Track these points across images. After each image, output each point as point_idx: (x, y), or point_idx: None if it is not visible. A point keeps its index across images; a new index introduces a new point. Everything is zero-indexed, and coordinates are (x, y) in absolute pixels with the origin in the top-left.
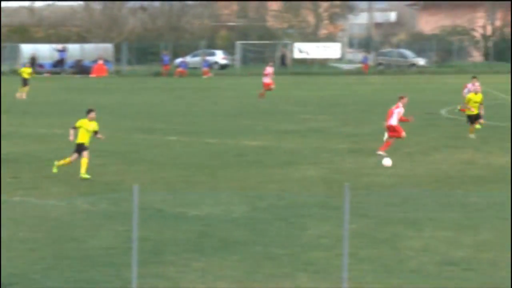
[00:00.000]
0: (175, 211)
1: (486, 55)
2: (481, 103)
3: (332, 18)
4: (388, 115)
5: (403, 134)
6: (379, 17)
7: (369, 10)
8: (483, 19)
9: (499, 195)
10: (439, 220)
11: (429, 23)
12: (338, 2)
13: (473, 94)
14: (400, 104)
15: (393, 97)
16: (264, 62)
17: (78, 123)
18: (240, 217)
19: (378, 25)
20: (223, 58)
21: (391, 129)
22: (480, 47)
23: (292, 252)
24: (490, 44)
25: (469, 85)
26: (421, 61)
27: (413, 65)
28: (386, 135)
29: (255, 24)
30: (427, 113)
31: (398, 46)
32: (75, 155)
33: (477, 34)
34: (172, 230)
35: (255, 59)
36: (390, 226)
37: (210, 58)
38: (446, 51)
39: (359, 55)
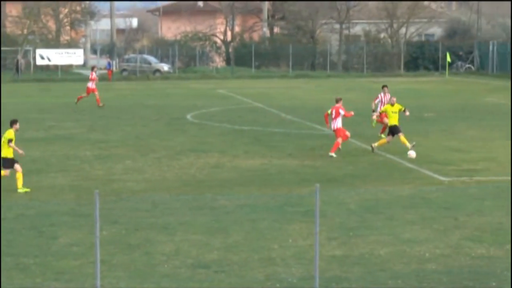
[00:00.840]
0: None
1: (227, 60)
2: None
3: (73, 24)
4: (326, 118)
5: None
6: (121, 23)
7: (111, 16)
8: (223, 25)
9: (247, 197)
10: (190, 224)
11: (171, 29)
12: (78, 8)
13: (389, 105)
14: (340, 106)
15: (138, 102)
16: (6, 68)
17: (10, 135)
18: None
19: (121, 31)
20: None
21: (340, 131)
22: (221, 53)
23: (43, 261)
24: (231, 49)
25: (381, 95)
26: (165, 67)
27: (158, 70)
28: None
29: None
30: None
31: (141, 52)
32: (7, 171)
33: (218, 40)
34: None
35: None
36: (141, 231)
37: None
38: (189, 57)
39: (103, 61)
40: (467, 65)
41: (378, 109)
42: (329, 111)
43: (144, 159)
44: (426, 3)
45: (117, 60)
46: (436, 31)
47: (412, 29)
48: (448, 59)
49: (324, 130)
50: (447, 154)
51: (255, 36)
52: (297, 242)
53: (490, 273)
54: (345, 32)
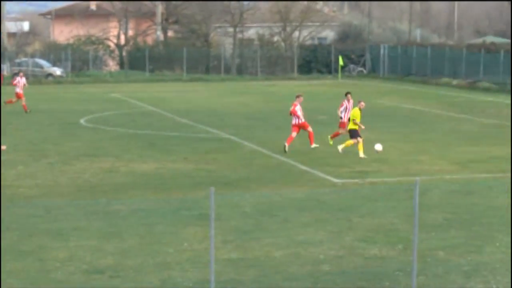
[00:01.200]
0: None
1: (121, 64)
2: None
3: None
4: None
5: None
6: (12, 26)
7: (0, 19)
8: (117, 28)
9: (142, 202)
10: (84, 229)
11: (64, 32)
12: None
13: (358, 109)
14: (298, 103)
15: (30, 107)
16: None
17: None
18: None
19: (12, 34)
20: None
21: (304, 125)
22: (115, 56)
23: None
24: (124, 53)
25: (345, 102)
26: (57, 71)
27: (50, 74)
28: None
29: None
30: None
31: (33, 56)
32: None
33: (112, 44)
34: None
35: None
36: (34, 237)
37: None
38: (82, 61)
39: None
40: (359, 68)
41: (343, 116)
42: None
43: (37, 164)
44: (318, 7)
45: (8, 64)
46: (329, 34)
47: (305, 32)
48: (341, 62)
49: (219, 133)
50: (340, 156)
51: (149, 40)
52: (193, 246)
53: (383, 273)
54: (239, 35)
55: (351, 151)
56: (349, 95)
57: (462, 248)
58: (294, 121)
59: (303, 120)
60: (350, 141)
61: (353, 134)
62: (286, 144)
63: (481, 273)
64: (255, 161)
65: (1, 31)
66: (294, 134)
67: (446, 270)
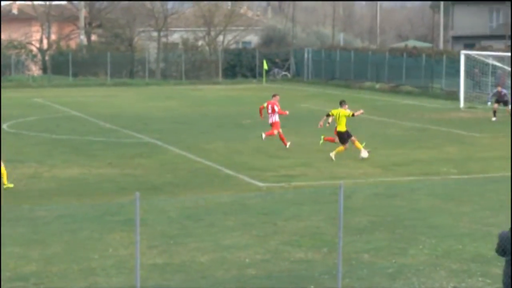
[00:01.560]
0: None
1: (44, 69)
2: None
3: None
4: (260, 110)
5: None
6: None
7: None
8: (39, 32)
9: (66, 208)
10: (7, 236)
11: None
12: None
13: (342, 110)
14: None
15: None
16: None
17: None
18: None
19: None
20: None
21: (276, 125)
22: (37, 61)
23: None
24: (47, 57)
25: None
26: None
27: None
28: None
29: None
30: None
31: None
32: None
33: (34, 48)
34: None
35: None
36: None
37: None
38: (4, 65)
39: None
40: (284, 72)
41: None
42: (264, 105)
43: None
44: (242, 11)
45: None
46: (253, 38)
47: (229, 36)
48: (265, 66)
49: (143, 138)
50: (265, 160)
51: (72, 44)
52: (118, 252)
53: (308, 277)
54: (163, 40)
55: (277, 155)
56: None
57: (386, 250)
58: (271, 119)
59: (276, 119)
60: (341, 148)
61: (342, 138)
62: (286, 143)
63: (405, 275)
64: (180, 165)
65: None
66: (275, 131)
67: (371, 272)
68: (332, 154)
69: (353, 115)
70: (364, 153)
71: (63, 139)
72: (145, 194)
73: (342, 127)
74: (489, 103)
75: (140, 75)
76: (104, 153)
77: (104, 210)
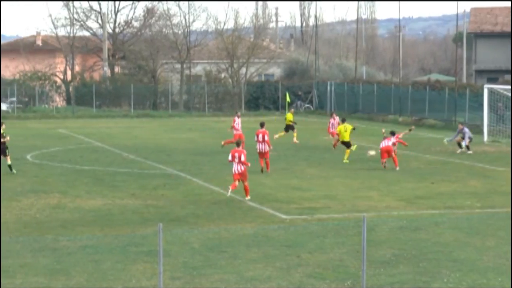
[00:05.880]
0: None
1: (68, 100)
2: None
3: None
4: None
5: None
6: None
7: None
8: (63, 64)
9: (89, 238)
10: (31, 266)
11: (9, 67)
12: None
13: (342, 126)
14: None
15: None
16: None
17: None
18: None
19: None
20: None
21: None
22: (61, 92)
23: None
24: (71, 89)
25: (332, 120)
26: (3, 106)
27: None
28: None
29: None
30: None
31: None
32: None
33: (58, 79)
34: None
35: None
36: None
37: None
38: (28, 96)
39: None
40: (306, 105)
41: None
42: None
43: None
44: (265, 43)
45: None
46: (276, 71)
47: (252, 69)
48: (288, 98)
49: (166, 169)
50: (288, 193)
51: (96, 76)
52: (141, 283)
53: None
54: (186, 71)
55: (300, 187)
56: (334, 114)
57: (410, 284)
58: (260, 148)
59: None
60: (348, 150)
61: (348, 144)
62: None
63: None
64: (203, 197)
65: None
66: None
67: None
68: (345, 158)
69: (354, 128)
70: (372, 152)
71: (87, 169)
72: (168, 225)
73: (346, 138)
74: (445, 140)
75: (163, 107)
76: (127, 184)
77: (127, 241)
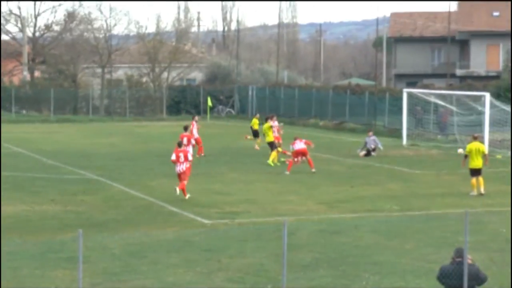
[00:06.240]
0: None
1: None
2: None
3: None
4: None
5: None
6: None
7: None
8: None
9: (7, 245)
10: None
11: None
12: None
13: (267, 124)
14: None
15: None
16: None
17: None
18: None
19: None
20: None
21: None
22: None
23: None
24: None
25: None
26: None
27: None
28: None
29: None
30: None
31: None
32: None
33: None
34: None
35: None
36: None
37: None
38: None
39: None
40: (228, 109)
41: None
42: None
43: None
44: (187, 48)
45: None
46: (198, 75)
47: (174, 73)
48: (209, 103)
49: (87, 174)
50: (210, 197)
51: (16, 80)
52: None
53: None
54: (107, 76)
55: (222, 192)
56: (274, 118)
57: (330, 287)
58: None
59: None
60: (274, 153)
61: (272, 145)
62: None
63: None
64: (124, 202)
65: None
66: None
67: None
68: (270, 161)
69: (271, 126)
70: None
71: (6, 175)
72: (88, 231)
73: (269, 138)
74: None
75: (83, 112)
76: (47, 189)
77: (46, 248)
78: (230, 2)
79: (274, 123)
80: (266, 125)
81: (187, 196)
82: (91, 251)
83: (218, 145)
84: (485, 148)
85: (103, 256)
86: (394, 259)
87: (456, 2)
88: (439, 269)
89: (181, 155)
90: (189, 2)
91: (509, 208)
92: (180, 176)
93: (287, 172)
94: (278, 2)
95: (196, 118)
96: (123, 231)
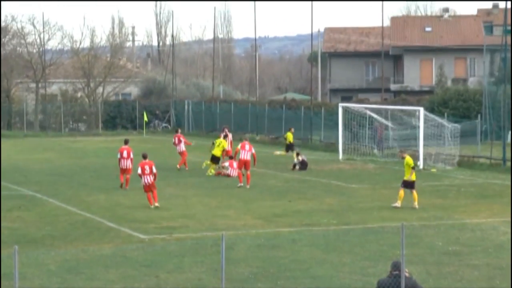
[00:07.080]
0: None
1: None
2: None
3: None
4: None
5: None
6: None
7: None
8: None
9: None
10: None
11: None
12: None
13: (219, 140)
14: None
15: None
16: None
17: None
18: None
19: None
20: None
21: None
22: None
23: None
24: None
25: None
26: None
27: None
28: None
29: None
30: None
31: None
32: None
33: None
34: None
35: None
36: None
37: None
38: None
39: None
40: (164, 124)
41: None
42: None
43: None
44: (122, 63)
45: None
46: (133, 90)
47: (109, 88)
48: (145, 118)
49: (22, 190)
50: (147, 212)
51: None
52: None
53: None
54: (41, 91)
55: (158, 207)
56: (226, 129)
57: None
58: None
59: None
60: (214, 165)
61: (215, 159)
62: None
63: None
64: (60, 218)
65: None
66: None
67: None
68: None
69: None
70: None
71: None
72: (24, 247)
73: (217, 152)
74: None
75: (17, 127)
76: None
77: None
78: (165, 17)
79: (229, 135)
80: (219, 141)
81: (157, 204)
82: (27, 268)
83: (154, 160)
84: (412, 161)
85: (39, 273)
86: (331, 273)
87: (389, 18)
88: (376, 282)
89: (147, 167)
90: (123, 16)
91: (444, 222)
92: (149, 187)
93: (240, 184)
94: (212, 17)
95: (179, 130)
96: (60, 247)
